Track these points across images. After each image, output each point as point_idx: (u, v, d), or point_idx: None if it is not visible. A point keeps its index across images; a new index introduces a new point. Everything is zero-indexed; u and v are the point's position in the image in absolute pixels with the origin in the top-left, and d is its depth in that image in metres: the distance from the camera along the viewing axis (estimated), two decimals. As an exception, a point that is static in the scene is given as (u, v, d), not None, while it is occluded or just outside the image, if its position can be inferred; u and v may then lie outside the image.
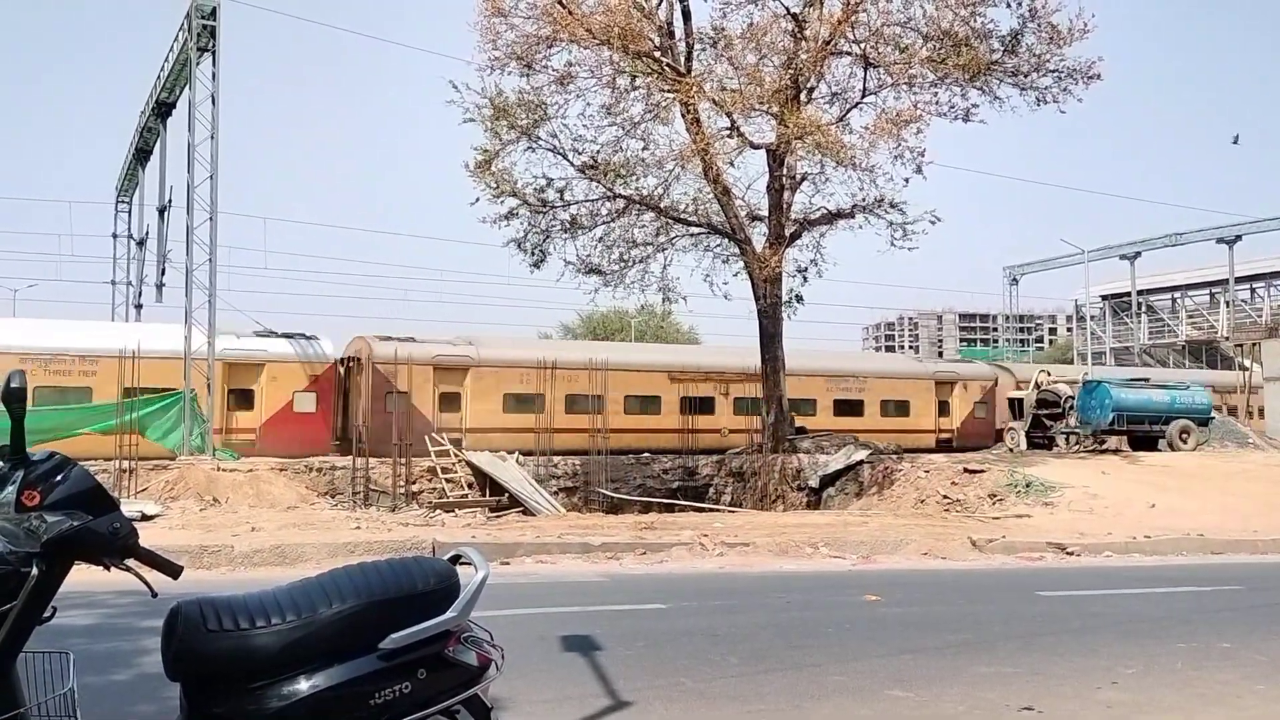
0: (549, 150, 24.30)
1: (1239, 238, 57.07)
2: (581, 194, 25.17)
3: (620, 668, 6.24)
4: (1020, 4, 21.73)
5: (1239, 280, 59.51)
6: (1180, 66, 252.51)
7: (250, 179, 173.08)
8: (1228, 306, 58.60)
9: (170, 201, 28.62)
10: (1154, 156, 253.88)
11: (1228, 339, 46.56)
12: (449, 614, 2.98)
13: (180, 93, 26.41)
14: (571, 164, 24.50)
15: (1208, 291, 63.62)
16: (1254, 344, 37.59)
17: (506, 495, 23.83)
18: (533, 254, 25.47)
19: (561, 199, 25.01)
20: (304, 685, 2.77)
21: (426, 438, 25.35)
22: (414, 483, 24.67)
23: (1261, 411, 35.95)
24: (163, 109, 28.27)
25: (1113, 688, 6.13)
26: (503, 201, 24.40)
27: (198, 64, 23.93)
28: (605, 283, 26.13)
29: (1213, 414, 30.37)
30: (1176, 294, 65.85)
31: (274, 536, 12.87)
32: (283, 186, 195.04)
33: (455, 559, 3.27)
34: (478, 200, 24.11)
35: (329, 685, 2.78)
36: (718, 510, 22.43)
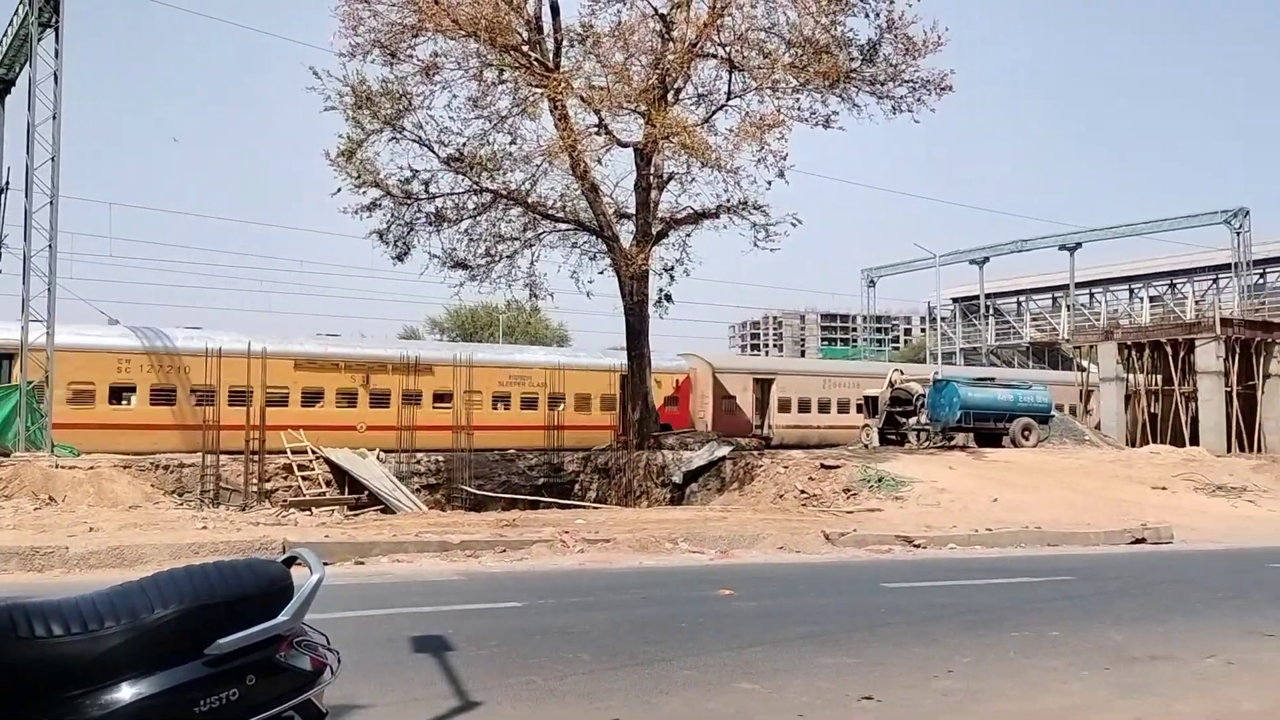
0: (414, 141, 23.96)
1: (1079, 245, 60.34)
2: (447, 187, 24.90)
3: (471, 668, 6.20)
4: (879, 15, 22.48)
5: (1079, 285, 62.94)
6: (1028, 80, 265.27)
7: (96, 163, 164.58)
8: (1068, 310, 61.92)
9: (8, 184, 26.95)
10: (1003, 167, 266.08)
11: (1068, 341, 49.11)
12: (280, 618, 2.91)
13: (20, 70, 24.86)
14: (437, 156, 24.21)
15: (1050, 296, 67.08)
16: (1091, 346, 39.75)
17: (366, 493, 23.34)
18: (396, 246, 25.04)
19: (426, 191, 24.67)
20: (125, 693, 2.67)
21: (283, 434, 24.61)
22: (269, 481, 23.91)
23: (1098, 409, 38.06)
24: (0, 86, 26.57)
25: (949, 676, 6.40)
26: (365, 192, 23.97)
27: (39, 40, 22.55)
28: (471, 277, 25.89)
29: (1053, 412, 31.99)
30: (1021, 298, 69.24)
31: (113, 537, 12.28)
32: (131, 171, 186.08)
33: (290, 561, 3.20)
34: (339, 190, 23.63)
35: (152, 693, 2.69)
36: (582, 507, 22.47)
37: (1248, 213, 53.29)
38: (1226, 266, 55.09)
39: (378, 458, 24.80)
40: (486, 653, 6.71)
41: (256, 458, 23.50)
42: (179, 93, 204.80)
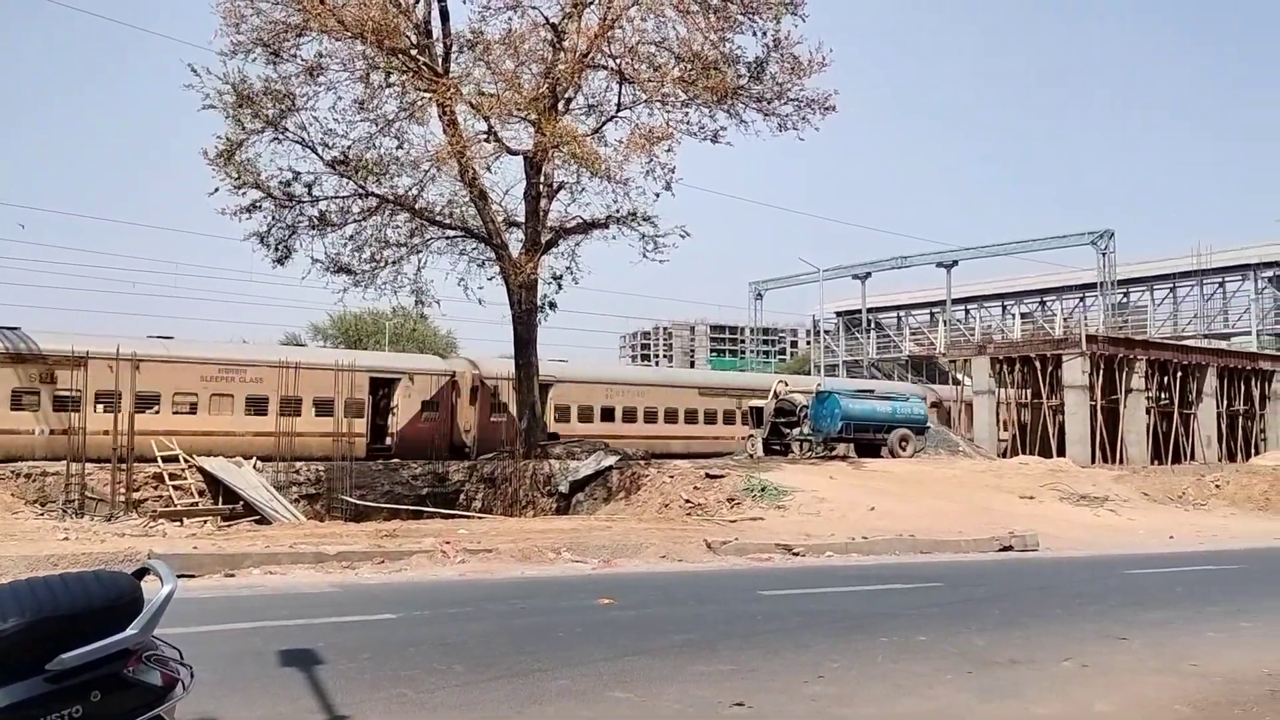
0: (297, 142, 23.44)
1: (956, 263, 62.45)
2: (331, 190, 24.45)
3: (341, 681, 6.07)
4: (766, 34, 22.87)
5: (955, 301, 65.13)
6: (910, 101, 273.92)
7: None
8: (945, 325, 64.01)
9: None
10: (885, 185, 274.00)
11: (944, 355, 50.75)
12: (128, 631, 2.81)
13: None
14: (321, 158, 23.72)
15: (928, 311, 69.25)
16: (966, 360, 41.17)
17: (241, 504, 22.62)
18: (277, 250, 24.45)
19: (309, 194, 24.16)
20: None
21: (153, 442, 23.68)
22: (138, 490, 22.97)
23: (971, 423, 39.41)
24: None
25: (819, 682, 6.54)
26: (245, 193, 23.33)
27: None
28: (355, 283, 25.44)
29: (928, 423, 32.98)
30: (901, 312, 71.33)
31: (-36, 550, 11.64)
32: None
33: (142, 573, 3.10)
34: (217, 190, 22.92)
35: None
36: (466, 517, 22.22)
37: (1113, 234, 55.97)
38: (1093, 285, 57.72)
39: (254, 467, 24.07)
40: (358, 666, 6.58)
41: (125, 466, 22.56)
42: (46, 89, 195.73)
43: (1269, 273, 52.80)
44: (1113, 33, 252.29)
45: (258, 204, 23.65)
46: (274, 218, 24.09)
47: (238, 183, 22.99)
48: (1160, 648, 8.03)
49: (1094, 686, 6.68)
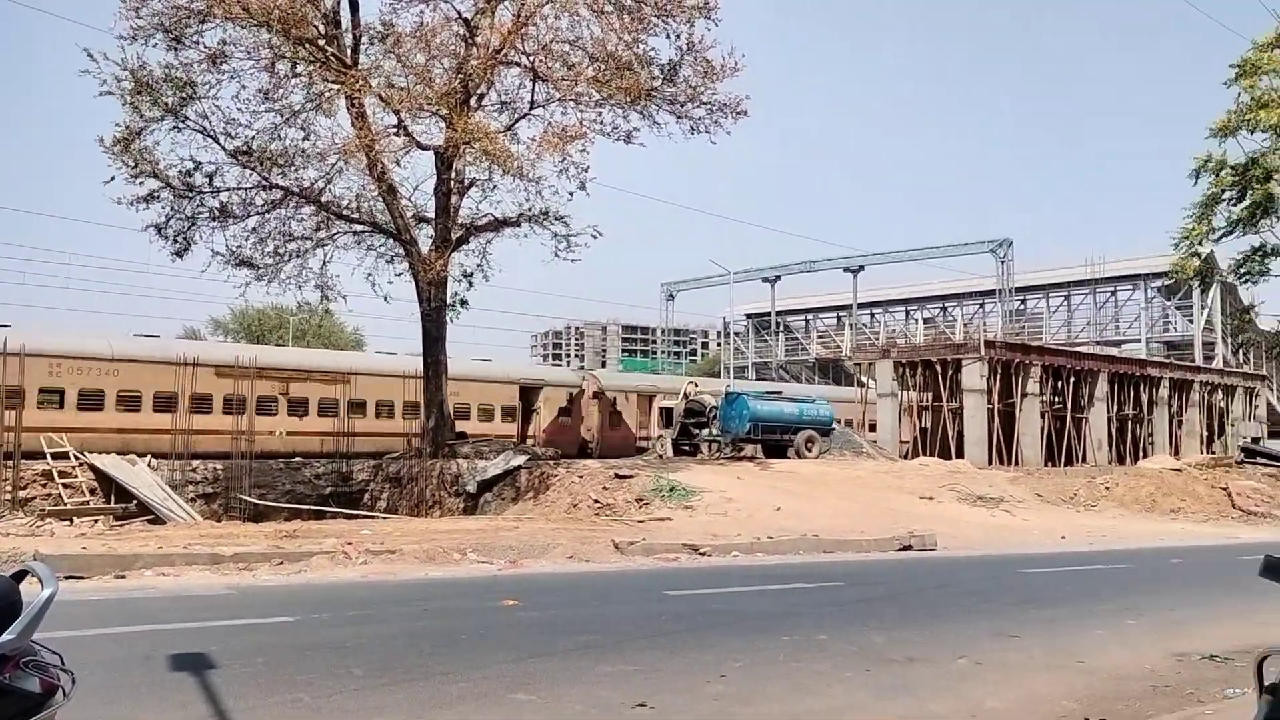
0: (198, 131, 22.73)
1: (862, 268, 63.75)
2: (234, 181, 23.75)
3: (234, 686, 5.90)
4: (679, 37, 22.97)
5: (861, 306, 66.48)
6: (821, 109, 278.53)
7: None
8: (851, 329, 65.26)
9: None
10: (796, 190, 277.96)
11: (850, 358, 51.70)
12: (4, 637, 2.68)
13: None
14: (223, 148, 23.05)
15: (836, 315, 70.52)
16: (870, 363, 42.02)
17: (135, 503, 21.87)
18: (175, 241, 23.66)
19: (210, 185, 23.44)
20: None
21: (42, 439, 22.76)
22: (25, 488, 22.04)
23: (875, 424, 40.24)
24: None
25: (721, 681, 6.58)
26: (142, 183, 22.54)
27: None
28: (258, 276, 24.75)
29: (834, 425, 33.57)
30: (809, 316, 72.48)
31: None
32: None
33: (20, 575, 2.96)
34: (113, 179, 22.12)
35: None
36: (370, 517, 21.85)
37: (1011, 243, 57.80)
38: (992, 292, 59.49)
39: (149, 465, 23.30)
40: (252, 670, 6.40)
41: (10, 463, 21.63)
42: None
43: (1158, 283, 54.98)
44: (1020, 46, 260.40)
45: (156, 194, 22.89)
46: (173, 208, 23.34)
47: (135, 172, 22.23)
48: (1051, 645, 8.29)
49: (987, 683, 6.86)
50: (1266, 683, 2.99)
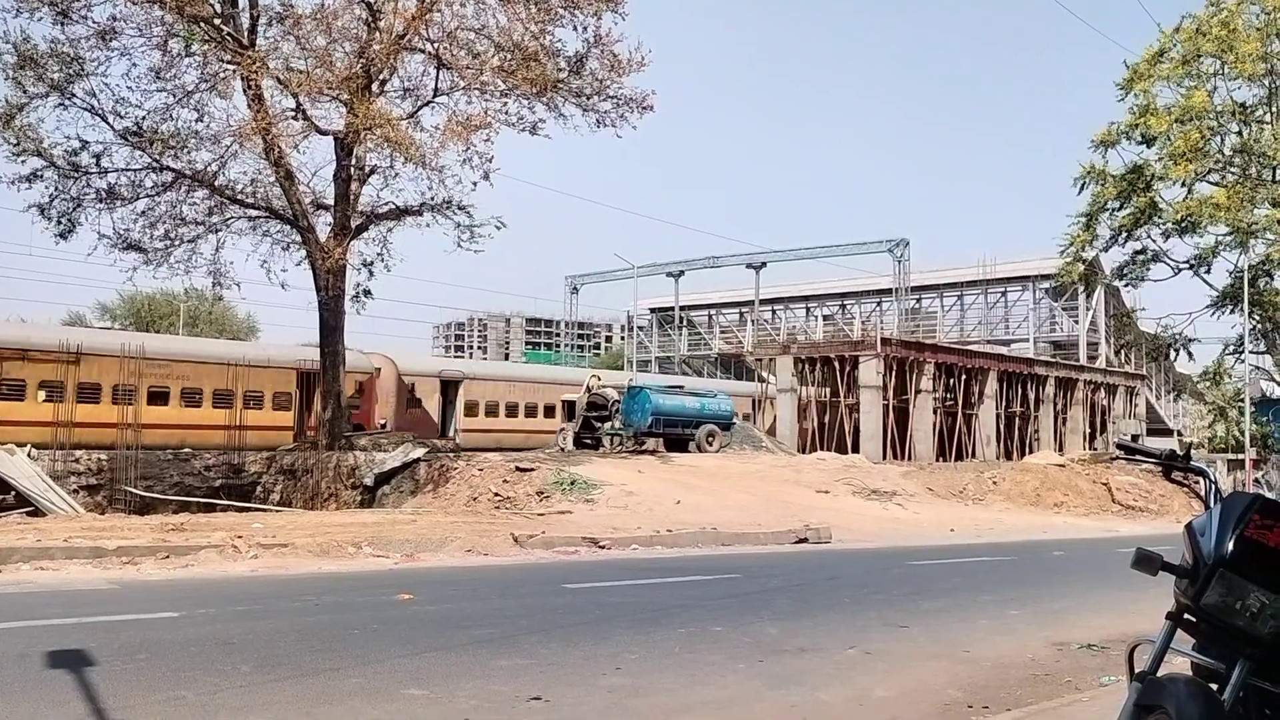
0: (86, 110, 21.91)
1: (765, 265, 64.46)
2: (122, 162, 22.98)
3: (114, 684, 5.69)
4: (586, 30, 22.93)
5: (763, 302, 67.24)
6: (725, 106, 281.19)
7: None
8: (753, 324, 66.04)
9: None
10: (700, 187, 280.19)
11: (751, 353, 52.31)
12: None
13: None
14: (112, 128, 22.25)
15: (738, 310, 71.22)
16: (771, 359, 42.62)
17: (13, 494, 20.95)
18: (60, 223, 22.76)
19: (98, 165, 22.60)
20: None
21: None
22: (-108, 479, 20.93)
23: (774, 419, 40.86)
24: None
25: (616, 673, 6.61)
26: (24, 161, 21.63)
27: None
28: (146, 261, 23.95)
29: (734, 420, 33.95)
30: (712, 311, 73.07)
31: None
32: None
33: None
34: (-8, 156, 21.14)
35: None
36: (262, 510, 21.32)
37: (908, 243, 59.09)
38: (889, 291, 60.78)
39: (29, 455, 22.33)
40: (134, 667, 6.19)
41: None
42: None
43: (1046, 284, 56.90)
44: (922, 49, 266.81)
45: (39, 173, 22.01)
46: (58, 188, 22.45)
47: (17, 149, 21.34)
48: (937, 635, 8.54)
49: (875, 673, 7.04)
50: (1136, 669, 3.15)
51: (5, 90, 21.17)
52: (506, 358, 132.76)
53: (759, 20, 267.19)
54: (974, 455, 41.21)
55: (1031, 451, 42.30)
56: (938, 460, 38.18)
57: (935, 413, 40.26)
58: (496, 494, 20.98)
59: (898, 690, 6.61)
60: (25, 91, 21.25)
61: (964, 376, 42.11)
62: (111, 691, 5.55)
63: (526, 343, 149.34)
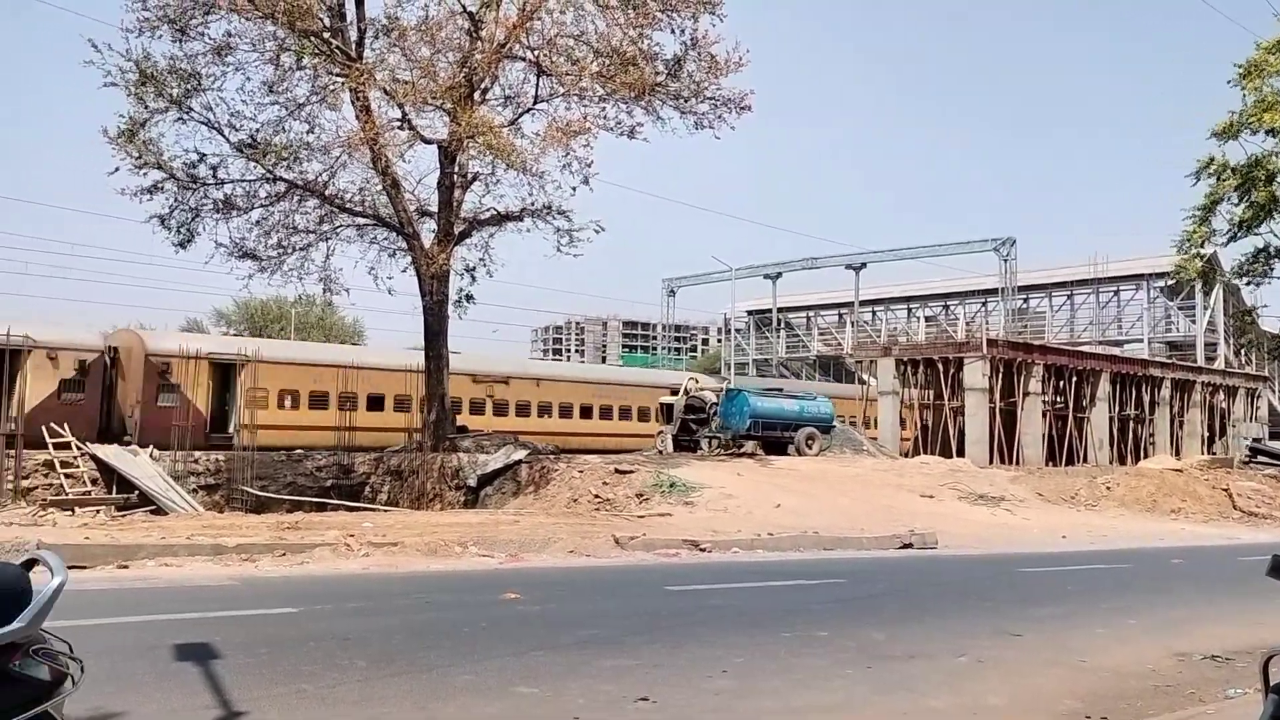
0: (202, 123, 22.77)
1: (865, 265, 63.63)
2: (238, 173, 23.78)
3: (238, 676, 5.92)
4: (684, 32, 22.93)
5: (863, 303, 66.40)
6: (824, 106, 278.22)
7: None
8: (852, 326, 65.20)
9: None
10: (799, 187, 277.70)
11: (851, 355, 51.69)
12: (13, 625, 2.70)
13: None
14: (228, 140, 23.08)
15: (837, 312, 70.43)
16: (872, 361, 42.02)
17: (136, 493, 21.92)
18: (179, 233, 23.71)
19: (215, 176, 23.48)
20: None
21: (44, 428, 22.82)
22: (27, 478, 22.11)
23: (876, 422, 40.25)
24: None
25: (722, 676, 6.60)
26: (146, 174, 22.59)
27: None
28: (261, 269, 24.79)
29: (835, 423, 33.56)
30: (811, 313, 72.40)
31: None
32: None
33: (30, 564, 2.98)
34: (117, 170, 22.14)
35: None
36: (372, 509, 21.87)
37: (1015, 242, 57.68)
38: (995, 291, 59.39)
39: (150, 455, 23.34)
40: (256, 660, 6.42)
41: (12, 453, 21.69)
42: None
43: (1161, 283, 54.93)
44: (1026, 43, 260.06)
45: (160, 185, 22.93)
46: (177, 200, 23.38)
47: (139, 163, 22.25)
48: (1051, 643, 8.31)
49: (987, 680, 6.88)
50: (1273, 682, 3.02)
51: (128, 106, 22.10)
52: (603, 360, 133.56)
53: (856, 18, 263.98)
54: (1085, 460, 39.97)
55: (1146, 456, 40.87)
56: (1047, 465, 37.13)
57: (1044, 416, 39.18)
58: (596, 496, 21.13)
59: (1011, 698, 6.45)
60: (146, 107, 22.14)
61: (1074, 378, 40.88)
62: (236, 684, 5.77)
63: (623, 345, 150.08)
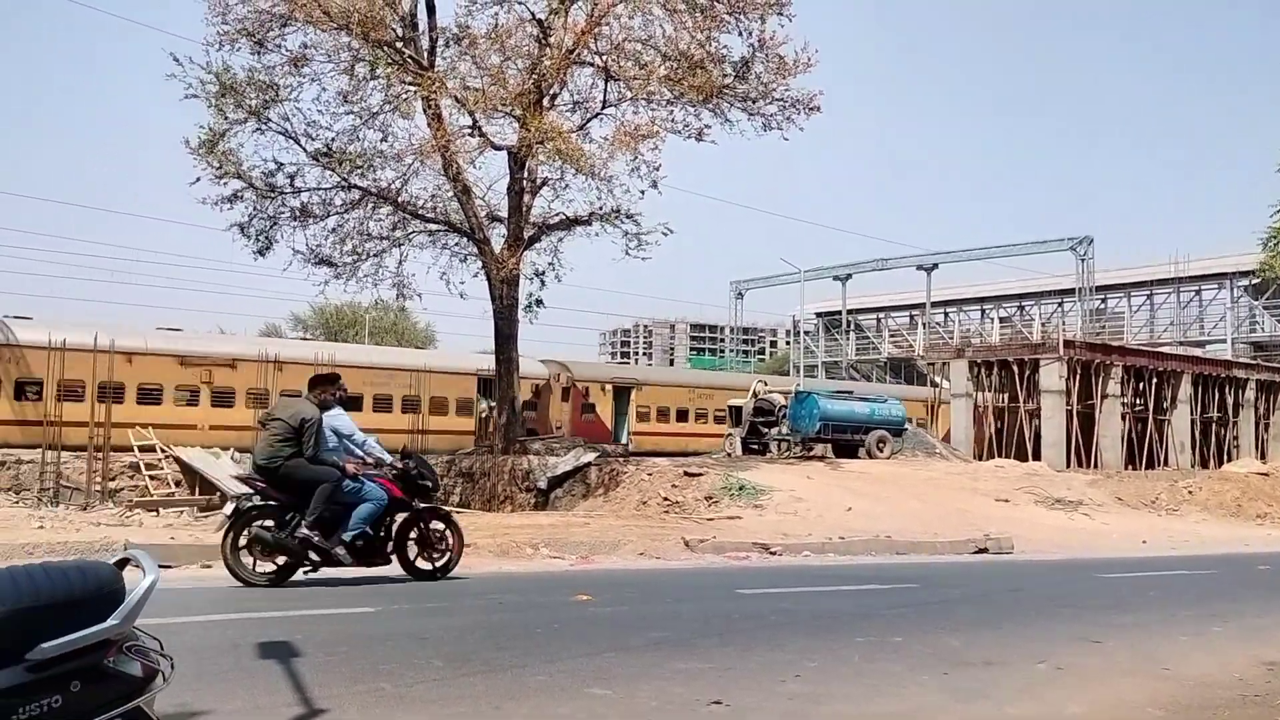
0: (280, 133, 23.36)
1: (936, 266, 62.78)
2: (314, 181, 24.33)
3: (318, 674, 6.05)
4: (751, 34, 22.88)
5: (935, 304, 65.50)
6: (893, 105, 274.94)
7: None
8: (924, 328, 64.32)
9: None
10: (868, 188, 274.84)
11: (923, 357, 51.02)
12: (109, 622, 2.80)
13: None
14: (304, 149, 23.64)
15: (908, 313, 69.56)
16: (944, 363, 41.41)
17: (218, 494, 22.51)
18: (258, 240, 24.33)
19: (292, 185, 24.05)
20: None
21: (130, 432, 23.56)
22: (114, 480, 22.86)
23: (949, 425, 39.64)
24: None
25: (795, 680, 6.56)
26: (226, 183, 23.22)
27: None
28: (336, 275, 25.34)
29: (906, 425, 33.16)
30: (881, 314, 71.62)
31: (-63, 537, 11.53)
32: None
33: (123, 563, 3.09)
34: (198, 180, 22.80)
35: None
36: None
37: (1092, 241, 56.43)
38: (1071, 291, 58.16)
39: (231, 457, 23.97)
40: (335, 659, 6.56)
41: (100, 455, 22.43)
42: (22, 73, 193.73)
43: (1244, 281, 53.31)
44: (1100, 39, 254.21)
45: (239, 194, 23.56)
46: (255, 208, 24.00)
47: (219, 172, 22.87)
48: (1133, 651, 8.10)
49: (1067, 688, 6.74)
50: None
51: (209, 118, 22.72)
52: (671, 363, 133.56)
53: (923, 12, 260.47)
54: (1166, 463, 38.92)
55: (1230, 459, 39.63)
56: (1126, 468, 36.23)
57: (1123, 418, 38.24)
58: (665, 498, 21.15)
59: (1092, 707, 6.31)
60: (226, 118, 22.76)
61: (1155, 380, 39.82)
62: (317, 681, 5.89)
63: (691, 348, 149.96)
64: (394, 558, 10.44)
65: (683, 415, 37.70)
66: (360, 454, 10.26)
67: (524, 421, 28.03)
